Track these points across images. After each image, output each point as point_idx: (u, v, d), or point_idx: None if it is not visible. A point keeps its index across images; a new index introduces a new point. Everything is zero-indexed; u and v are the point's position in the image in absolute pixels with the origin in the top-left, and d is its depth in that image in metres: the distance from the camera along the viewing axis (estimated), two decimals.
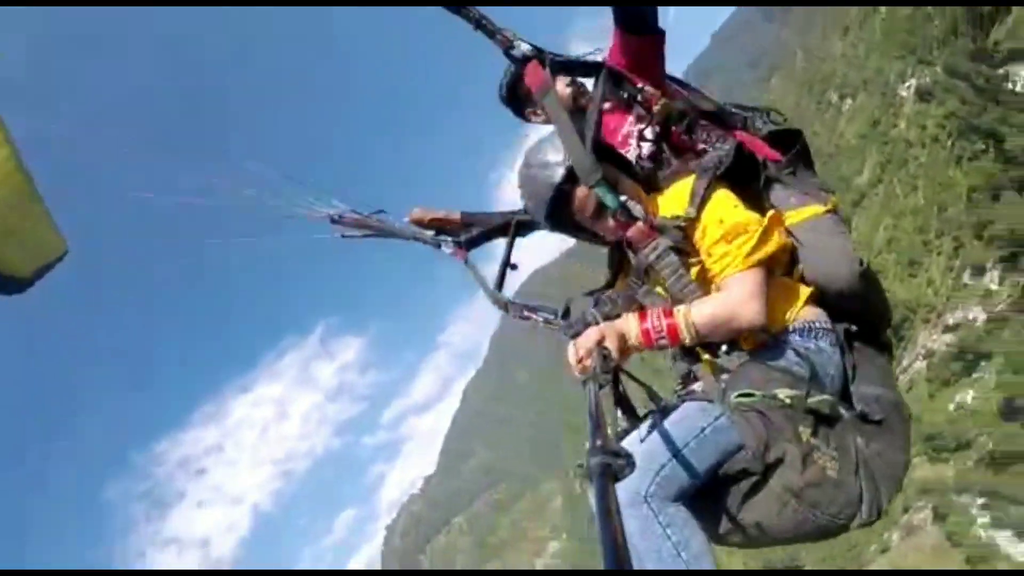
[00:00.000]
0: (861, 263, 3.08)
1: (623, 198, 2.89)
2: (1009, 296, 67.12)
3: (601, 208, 2.95)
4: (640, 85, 3.49)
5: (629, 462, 1.56)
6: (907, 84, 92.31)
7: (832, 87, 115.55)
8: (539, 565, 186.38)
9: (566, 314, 3.46)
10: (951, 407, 67.23)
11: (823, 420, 2.65)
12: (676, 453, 2.55)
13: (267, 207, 4.20)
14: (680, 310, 2.73)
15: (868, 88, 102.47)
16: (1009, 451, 57.09)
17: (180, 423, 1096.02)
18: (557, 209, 3.01)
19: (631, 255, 3.04)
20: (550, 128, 3.18)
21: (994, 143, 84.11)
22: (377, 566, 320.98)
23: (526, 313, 3.85)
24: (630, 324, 2.74)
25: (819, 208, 3.16)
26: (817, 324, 2.93)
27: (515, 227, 4.18)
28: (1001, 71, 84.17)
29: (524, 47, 3.26)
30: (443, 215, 4.43)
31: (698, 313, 2.69)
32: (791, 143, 3.51)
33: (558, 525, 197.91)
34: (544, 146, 3.08)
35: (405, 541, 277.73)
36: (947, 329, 72.34)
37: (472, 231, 4.38)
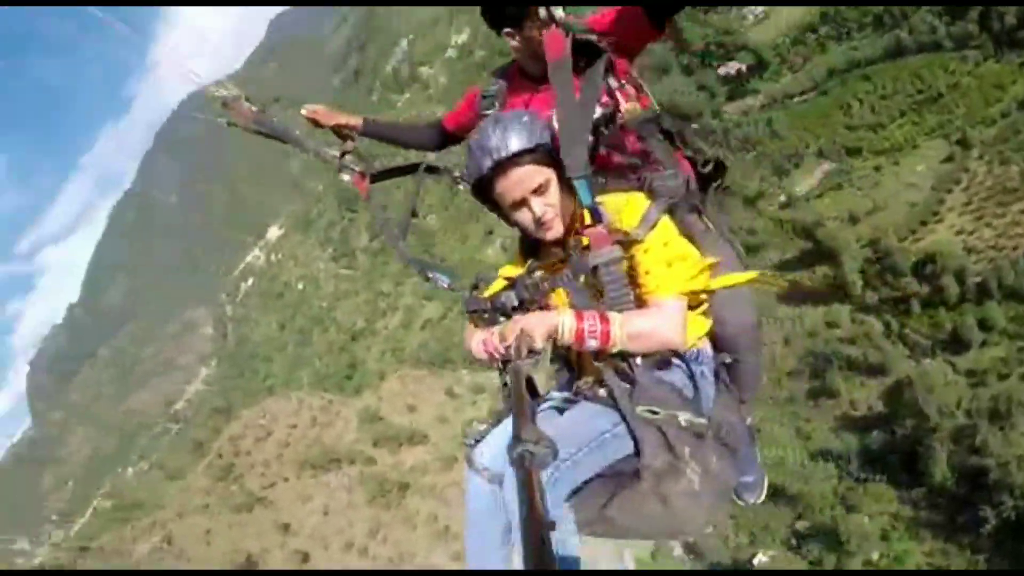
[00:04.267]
0: (756, 319, 3.34)
1: (599, 199, 2.86)
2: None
3: (519, 205, 2.93)
4: (623, 80, 3.32)
5: (552, 450, 1.60)
6: None
7: None
8: (190, 392, 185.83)
9: (475, 287, 3.48)
10: None
11: (696, 438, 2.76)
12: (576, 451, 2.60)
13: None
14: (616, 319, 2.73)
15: None
16: None
17: None
18: (482, 193, 3.01)
19: (573, 252, 2.95)
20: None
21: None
22: (23, 411, 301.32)
23: (428, 274, 3.76)
24: (565, 319, 2.71)
25: (743, 277, 3.21)
26: (707, 352, 3.06)
27: (424, 171, 4.10)
28: None
29: (559, 11, 3.04)
30: (344, 121, 4.17)
31: (631, 325, 2.72)
32: (716, 174, 3.50)
33: (207, 352, 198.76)
34: (487, 130, 2.93)
35: (50, 377, 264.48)
36: None
37: (375, 165, 4.24)
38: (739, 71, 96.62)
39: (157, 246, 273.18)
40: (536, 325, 2.67)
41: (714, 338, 3.17)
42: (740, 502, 3.99)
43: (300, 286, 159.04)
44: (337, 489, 64.02)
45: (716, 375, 3.10)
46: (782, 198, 75.59)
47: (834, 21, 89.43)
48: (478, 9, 3.44)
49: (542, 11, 3.01)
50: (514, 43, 3.51)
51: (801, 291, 64.60)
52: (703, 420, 2.81)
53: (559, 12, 3.03)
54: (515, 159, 2.85)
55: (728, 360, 3.22)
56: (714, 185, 3.52)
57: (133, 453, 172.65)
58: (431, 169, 4.10)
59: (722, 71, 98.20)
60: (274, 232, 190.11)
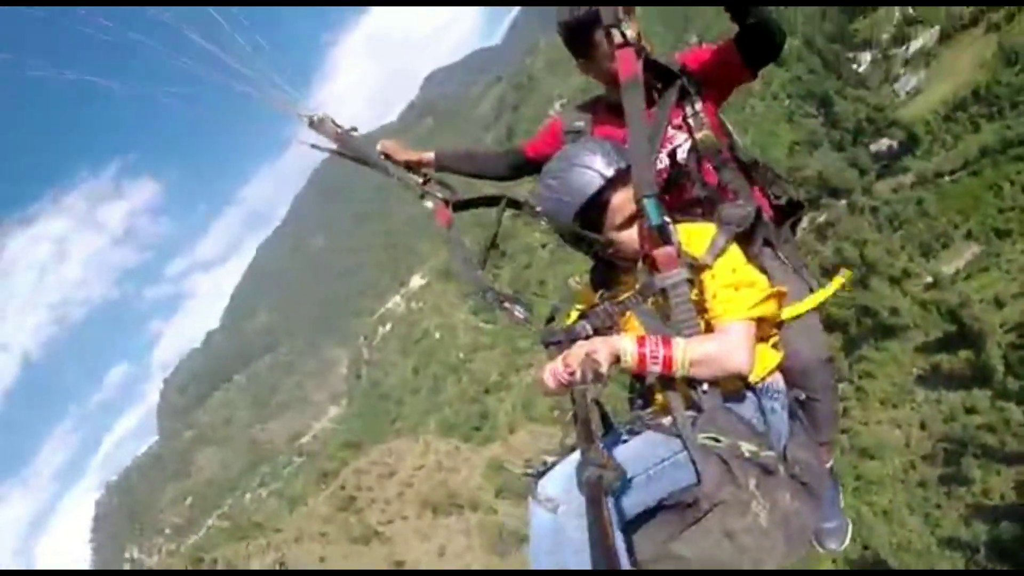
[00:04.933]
0: (829, 353, 3.32)
1: (666, 219, 2.84)
2: (805, 228, 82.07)
3: (632, 220, 2.96)
4: (699, 108, 3.35)
5: (620, 474, 1.66)
6: None
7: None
8: (316, 428, 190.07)
9: (551, 319, 3.47)
10: None
11: (766, 473, 2.72)
12: (634, 477, 2.60)
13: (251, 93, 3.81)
14: (679, 343, 2.70)
15: None
16: None
17: None
18: (589, 210, 2.95)
19: (642, 274, 2.96)
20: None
21: (824, 108, 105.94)
22: (152, 424, 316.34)
23: (506, 305, 3.70)
24: (627, 344, 2.68)
25: (809, 304, 3.24)
26: (777, 386, 3.02)
27: (506, 203, 4.05)
28: (851, 54, 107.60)
29: (631, 32, 3.04)
30: (416, 157, 4.21)
31: (695, 350, 2.68)
32: (791, 211, 3.56)
33: (340, 391, 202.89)
34: (587, 146, 3.02)
35: (183, 396, 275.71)
36: None
37: (458, 193, 4.18)
38: (890, 148, 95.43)
39: (300, 284, 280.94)
40: (600, 349, 2.65)
41: (786, 373, 3.15)
42: (821, 549, 3.84)
43: (438, 335, 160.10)
44: (456, 532, 64.27)
45: (792, 413, 3.07)
46: (928, 279, 74.08)
47: (986, 99, 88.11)
48: None
49: (616, 34, 3.02)
50: (591, 75, 3.58)
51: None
52: (772, 454, 2.77)
53: (631, 33, 3.05)
54: (628, 171, 2.91)
55: (802, 397, 3.21)
56: (790, 222, 3.60)
57: (254, 480, 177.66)
58: (513, 203, 4.02)
59: (873, 148, 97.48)
60: (417, 280, 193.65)
